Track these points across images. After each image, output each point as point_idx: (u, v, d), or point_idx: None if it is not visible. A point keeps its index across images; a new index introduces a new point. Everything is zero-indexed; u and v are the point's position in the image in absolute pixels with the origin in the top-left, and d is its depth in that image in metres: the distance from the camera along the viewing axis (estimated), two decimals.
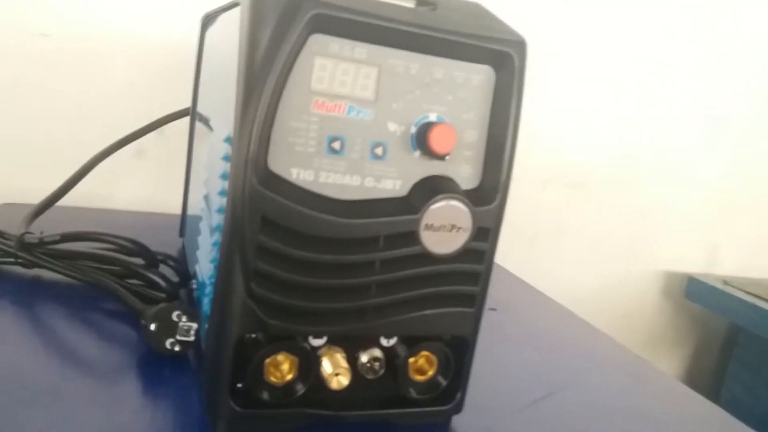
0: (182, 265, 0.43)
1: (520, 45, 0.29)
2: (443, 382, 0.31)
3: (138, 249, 0.40)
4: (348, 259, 0.27)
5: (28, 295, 0.40)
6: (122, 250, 0.41)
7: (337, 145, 0.27)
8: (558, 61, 0.80)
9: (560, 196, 0.85)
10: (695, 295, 0.92)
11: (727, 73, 0.89)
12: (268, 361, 0.28)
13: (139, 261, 0.40)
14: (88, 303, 0.40)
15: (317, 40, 0.26)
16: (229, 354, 0.27)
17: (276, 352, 0.28)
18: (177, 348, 0.34)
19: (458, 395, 0.32)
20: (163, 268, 0.42)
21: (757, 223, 0.97)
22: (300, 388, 0.29)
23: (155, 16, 0.64)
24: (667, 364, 1.00)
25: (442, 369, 0.31)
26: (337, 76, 0.27)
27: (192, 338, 0.34)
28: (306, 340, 0.29)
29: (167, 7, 0.64)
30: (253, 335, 0.28)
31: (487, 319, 0.50)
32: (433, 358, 0.31)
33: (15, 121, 0.62)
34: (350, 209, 0.27)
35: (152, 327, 0.34)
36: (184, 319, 0.34)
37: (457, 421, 0.33)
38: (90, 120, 0.64)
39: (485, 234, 0.30)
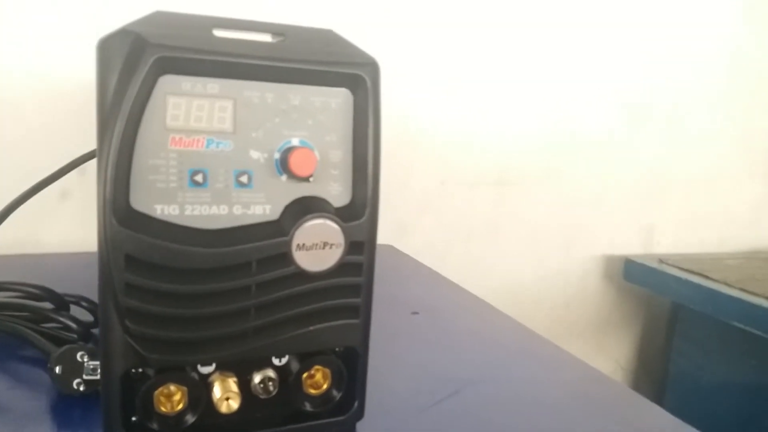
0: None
1: (371, 66, 0.30)
2: (337, 393, 0.33)
3: (45, 294, 0.41)
4: (221, 286, 0.28)
5: None
6: (30, 296, 0.41)
7: (199, 177, 0.28)
8: (474, 63, 0.83)
9: (489, 194, 0.88)
10: (634, 277, 0.95)
11: (646, 59, 0.92)
12: (158, 392, 0.29)
13: (48, 305, 0.41)
14: (4, 350, 0.40)
15: (168, 80, 0.27)
16: (117, 389, 0.28)
17: (162, 383, 0.29)
18: (83, 388, 0.34)
19: (355, 404, 0.33)
20: (78, 310, 0.42)
21: (688, 200, 1.01)
22: (190, 418, 0.29)
23: (63, 54, 0.64)
24: (616, 346, 1.03)
25: (336, 381, 0.32)
26: (193, 112, 0.28)
27: (98, 377, 0.34)
28: (194, 369, 0.30)
29: (76, 44, 0.64)
30: (139, 369, 0.29)
31: (407, 323, 0.52)
32: (327, 371, 0.32)
33: None
34: (220, 238, 0.28)
35: (57, 370, 0.34)
36: (87, 358, 0.34)
37: (361, 426, 0.34)
38: (9, 166, 0.64)
39: (359, 247, 0.31)
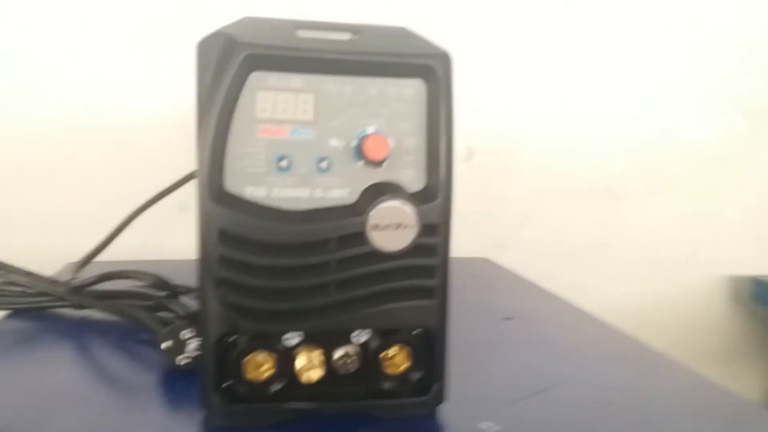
0: None
1: (443, 57, 0.32)
2: (416, 373, 0.34)
3: (159, 282, 0.45)
4: (303, 261, 0.31)
5: (75, 330, 0.46)
6: (150, 284, 0.46)
7: (284, 163, 0.31)
8: (576, 66, 0.81)
9: (595, 207, 0.85)
10: (766, 299, 0.87)
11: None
12: (248, 359, 0.32)
13: (162, 294, 0.46)
14: (125, 334, 0.45)
15: (257, 77, 0.30)
16: (212, 354, 0.31)
17: (252, 350, 0.32)
18: (185, 363, 0.38)
19: (434, 387, 0.34)
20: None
21: None
22: (276, 386, 0.32)
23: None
24: (747, 377, 0.94)
25: (414, 362, 0.34)
26: (279, 104, 0.31)
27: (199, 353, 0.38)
28: (280, 340, 0.32)
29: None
30: (232, 338, 0.32)
31: (500, 327, 0.51)
32: (405, 352, 0.33)
33: (74, 189, 0.72)
34: (302, 218, 0.31)
35: (164, 345, 0.38)
36: (189, 335, 0.38)
37: (443, 412, 0.34)
38: (135, 184, 0.72)
39: (433, 229, 0.32)
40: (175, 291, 0.45)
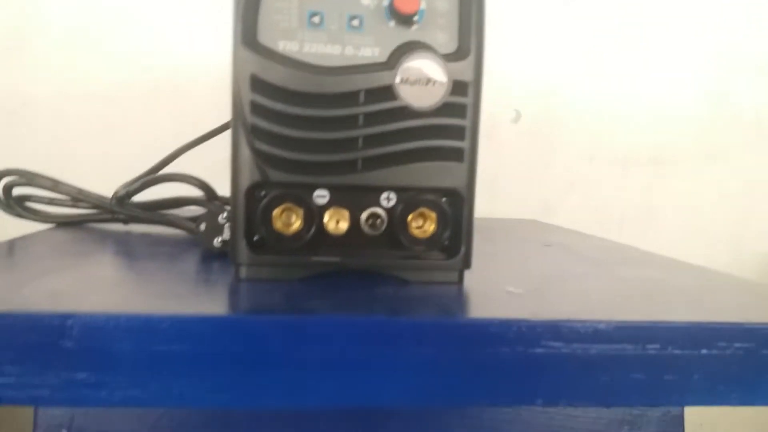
0: None
1: None
2: (443, 236, 0.33)
3: (208, 189, 0.46)
4: (332, 113, 0.31)
5: (124, 237, 0.47)
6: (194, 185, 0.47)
7: (316, 19, 0.32)
8: (623, 29, 0.80)
9: (644, 175, 0.83)
10: None
11: None
12: (277, 213, 0.32)
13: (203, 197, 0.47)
14: (172, 246, 0.46)
15: None
16: (242, 203, 0.32)
17: (282, 201, 0.32)
18: (220, 245, 0.39)
19: (462, 249, 0.33)
20: None
21: None
22: (305, 236, 0.32)
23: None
24: None
25: (442, 224, 0.33)
26: None
27: None
28: (310, 197, 0.32)
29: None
30: (263, 192, 0.32)
31: (538, 249, 0.50)
32: (432, 216, 0.33)
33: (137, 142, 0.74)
34: (333, 72, 0.32)
35: (201, 227, 0.39)
36: (226, 220, 0.39)
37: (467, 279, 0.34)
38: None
39: (464, 87, 0.32)
40: (215, 195, 0.46)
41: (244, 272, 0.33)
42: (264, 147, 0.31)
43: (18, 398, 0.24)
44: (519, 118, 0.80)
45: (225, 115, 0.67)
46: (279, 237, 0.32)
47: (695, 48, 0.82)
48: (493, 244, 0.52)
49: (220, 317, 0.27)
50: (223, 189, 0.45)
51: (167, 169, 0.49)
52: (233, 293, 0.31)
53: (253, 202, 0.32)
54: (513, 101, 0.80)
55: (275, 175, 0.32)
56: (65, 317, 0.24)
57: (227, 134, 0.56)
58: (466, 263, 0.34)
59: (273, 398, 0.27)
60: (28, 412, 0.34)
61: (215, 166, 0.44)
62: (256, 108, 0.31)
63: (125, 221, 0.50)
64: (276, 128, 0.31)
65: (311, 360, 0.27)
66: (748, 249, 0.86)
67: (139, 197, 0.49)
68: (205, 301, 0.30)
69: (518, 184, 0.81)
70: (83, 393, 0.25)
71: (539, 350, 0.28)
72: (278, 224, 0.32)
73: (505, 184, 0.80)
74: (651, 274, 0.41)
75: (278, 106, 0.31)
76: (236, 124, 0.31)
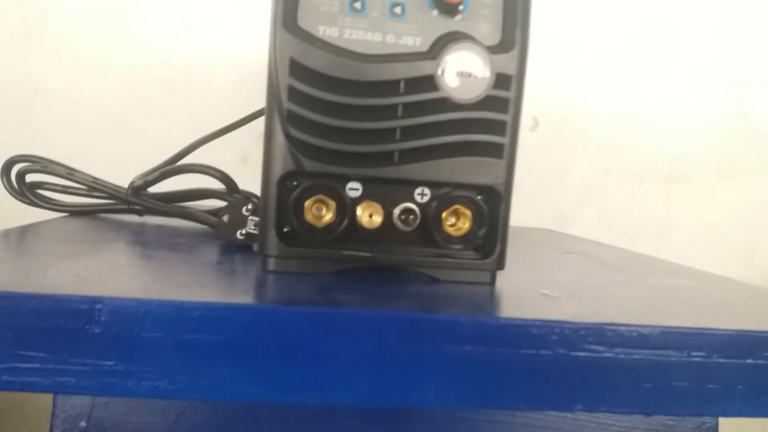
0: None
1: None
2: (479, 235, 0.32)
3: (223, 176, 0.45)
4: (370, 102, 0.30)
5: (139, 228, 0.46)
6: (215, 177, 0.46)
7: (358, 5, 0.31)
8: (643, 41, 0.80)
9: (660, 189, 0.82)
10: None
11: None
12: (309, 204, 0.31)
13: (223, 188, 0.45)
14: (188, 237, 0.45)
15: None
16: (274, 193, 0.31)
17: (315, 193, 0.31)
18: (243, 237, 0.38)
19: (497, 249, 0.32)
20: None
21: None
22: (337, 229, 0.31)
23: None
24: None
25: (478, 222, 0.32)
26: None
27: (257, 231, 0.37)
28: (344, 189, 0.31)
29: None
30: (295, 182, 0.31)
31: (560, 256, 0.49)
32: (467, 213, 0.32)
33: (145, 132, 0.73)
34: (373, 60, 0.31)
35: (225, 218, 0.38)
36: (250, 213, 0.38)
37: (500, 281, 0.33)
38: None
39: (507, 81, 0.31)
40: (235, 188, 0.45)
41: (272, 264, 0.31)
42: (299, 134, 0.30)
43: (42, 385, 0.23)
44: (537, 126, 0.80)
45: (243, 108, 0.67)
46: (311, 229, 0.31)
47: (715, 64, 0.81)
48: (512, 249, 0.51)
49: (254, 307, 0.25)
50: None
51: (184, 161, 0.48)
52: (262, 285, 0.30)
53: (285, 192, 0.31)
54: (531, 109, 0.79)
55: (309, 165, 0.30)
56: (94, 301, 0.23)
57: (245, 129, 0.57)
58: (500, 264, 0.33)
59: (304, 394, 0.26)
60: (41, 402, 0.33)
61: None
62: (293, 93, 0.30)
63: (140, 212, 0.49)
64: (312, 115, 0.30)
65: (345, 355, 0.26)
66: (762, 268, 0.85)
67: (154, 189, 0.48)
68: (234, 292, 0.29)
69: (533, 192, 0.80)
70: (110, 382, 0.23)
71: (581, 354, 0.27)
72: (309, 216, 0.31)
73: (520, 192, 0.79)
74: (683, 283, 0.40)
75: (316, 93, 0.30)
76: (271, 110, 0.30)
